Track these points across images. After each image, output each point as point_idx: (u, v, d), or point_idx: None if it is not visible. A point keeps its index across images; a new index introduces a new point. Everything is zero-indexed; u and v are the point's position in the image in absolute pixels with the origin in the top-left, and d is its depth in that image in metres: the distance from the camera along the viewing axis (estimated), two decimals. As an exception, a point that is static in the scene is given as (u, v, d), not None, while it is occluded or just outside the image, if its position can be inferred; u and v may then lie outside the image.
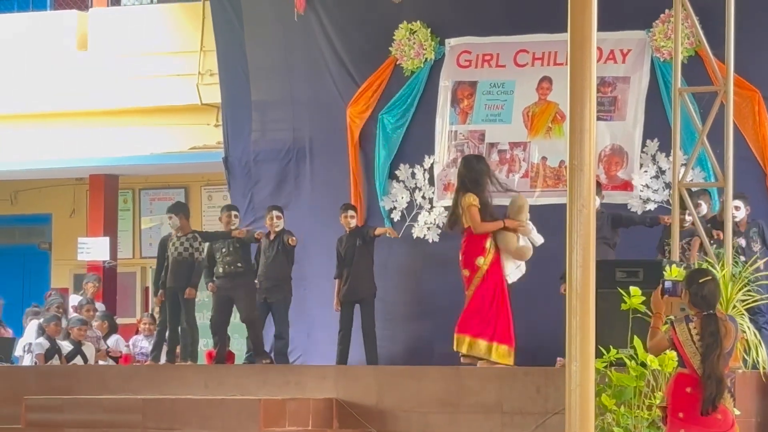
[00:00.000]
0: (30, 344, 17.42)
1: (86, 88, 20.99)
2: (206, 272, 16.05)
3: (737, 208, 14.15)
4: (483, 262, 13.78)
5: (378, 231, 15.76)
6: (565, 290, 14.16)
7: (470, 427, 13.34)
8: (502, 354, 13.90)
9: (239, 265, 15.88)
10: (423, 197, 16.25)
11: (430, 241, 16.10)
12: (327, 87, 16.81)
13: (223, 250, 15.85)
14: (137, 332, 18.48)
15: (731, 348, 9.85)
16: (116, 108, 20.95)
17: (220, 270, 15.88)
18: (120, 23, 21.58)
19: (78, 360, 16.97)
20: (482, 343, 13.80)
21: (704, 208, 14.34)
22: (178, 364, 16.05)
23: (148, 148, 20.87)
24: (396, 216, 16.28)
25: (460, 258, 13.79)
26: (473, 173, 13.86)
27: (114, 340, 18.33)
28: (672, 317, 10.18)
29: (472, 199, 13.63)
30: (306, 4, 16.77)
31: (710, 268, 13.03)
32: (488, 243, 13.72)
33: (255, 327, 15.94)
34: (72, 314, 18.15)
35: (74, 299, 19.16)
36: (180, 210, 16.42)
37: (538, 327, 14.61)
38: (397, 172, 16.36)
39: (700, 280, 9.97)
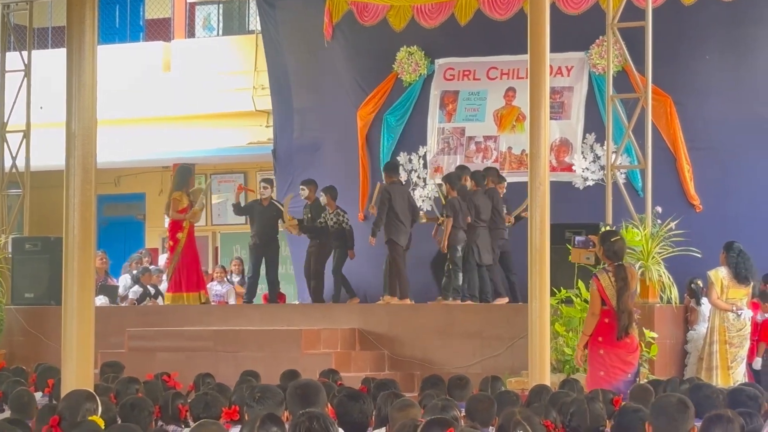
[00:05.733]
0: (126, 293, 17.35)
1: (170, 99, 20.93)
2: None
3: None
4: None
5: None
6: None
7: (458, 349, 13.33)
8: None
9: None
10: (418, 177, 16.17)
11: (424, 209, 16.05)
12: (343, 96, 16.73)
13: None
14: (212, 279, 18.35)
15: (636, 288, 9.79)
16: (193, 114, 20.89)
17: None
18: (195, 51, 21.51)
19: (160, 300, 16.88)
20: None
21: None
22: (242, 304, 16.00)
23: (216, 143, 20.83)
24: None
25: None
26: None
27: None
28: (595, 270, 10.12)
29: None
30: (332, 32, 16.72)
31: (634, 228, 13.06)
32: None
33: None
34: (157, 267, 18.09)
35: (162, 257, 19.11)
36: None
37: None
38: (398, 158, 16.30)
39: (612, 239, 9.87)
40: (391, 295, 14.59)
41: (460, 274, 14.20)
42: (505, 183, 14.86)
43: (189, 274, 15.38)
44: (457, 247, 14.24)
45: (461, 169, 15.03)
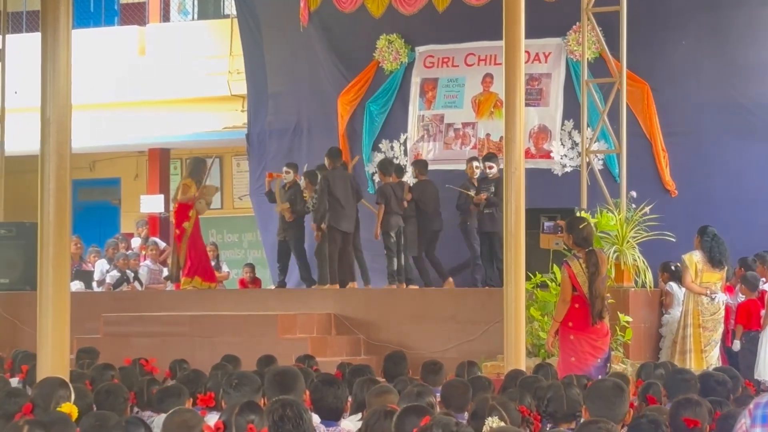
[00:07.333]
0: (104, 278, 17.27)
1: (145, 83, 20.89)
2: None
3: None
4: None
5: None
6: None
7: (433, 333, 13.36)
8: None
9: None
10: (399, 164, 16.18)
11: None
12: (321, 82, 16.71)
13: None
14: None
15: (608, 273, 9.78)
16: (168, 98, 20.85)
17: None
18: (170, 35, 21.45)
19: (137, 285, 16.83)
20: None
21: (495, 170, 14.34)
22: (219, 289, 15.98)
23: (191, 127, 20.79)
24: (376, 177, 16.20)
25: None
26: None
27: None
28: (566, 257, 10.11)
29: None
30: (308, 18, 16.68)
31: (609, 212, 13.11)
32: None
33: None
34: (133, 251, 18.05)
35: (136, 241, 19.09)
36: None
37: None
38: (380, 145, 16.30)
39: (580, 226, 9.87)
40: (322, 284, 14.54)
41: (395, 260, 14.31)
42: (475, 163, 14.76)
43: (203, 265, 15.29)
44: (390, 233, 14.33)
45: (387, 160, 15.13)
